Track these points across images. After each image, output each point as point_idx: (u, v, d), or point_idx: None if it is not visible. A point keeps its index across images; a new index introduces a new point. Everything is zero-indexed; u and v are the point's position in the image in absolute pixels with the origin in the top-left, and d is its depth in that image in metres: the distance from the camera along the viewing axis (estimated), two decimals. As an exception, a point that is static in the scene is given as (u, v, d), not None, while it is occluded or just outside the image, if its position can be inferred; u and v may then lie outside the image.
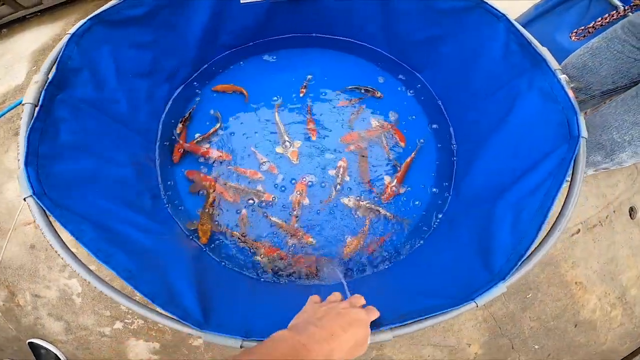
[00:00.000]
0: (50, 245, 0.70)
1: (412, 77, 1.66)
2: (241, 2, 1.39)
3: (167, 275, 0.86)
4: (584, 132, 0.89)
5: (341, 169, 1.41)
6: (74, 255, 0.72)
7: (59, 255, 0.69)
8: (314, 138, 1.47)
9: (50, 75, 0.89)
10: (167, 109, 1.49)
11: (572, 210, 0.83)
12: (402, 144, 1.49)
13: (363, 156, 1.45)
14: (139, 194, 1.15)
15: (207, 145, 1.45)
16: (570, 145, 0.90)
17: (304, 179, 1.40)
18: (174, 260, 0.97)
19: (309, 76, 1.62)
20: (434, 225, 1.34)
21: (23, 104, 0.84)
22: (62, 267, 1.54)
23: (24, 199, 0.73)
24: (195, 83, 1.59)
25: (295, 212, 1.33)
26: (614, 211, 1.82)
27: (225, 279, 1.18)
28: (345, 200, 1.36)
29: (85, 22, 1.03)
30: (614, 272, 1.70)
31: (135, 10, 1.16)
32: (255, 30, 1.58)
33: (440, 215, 1.36)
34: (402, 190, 1.40)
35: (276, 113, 1.51)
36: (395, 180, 1.40)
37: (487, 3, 1.15)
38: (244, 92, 1.55)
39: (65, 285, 1.53)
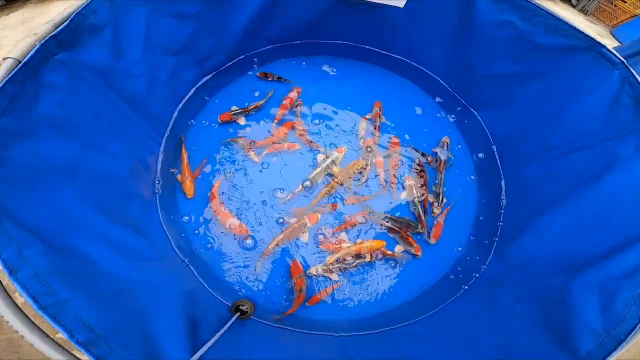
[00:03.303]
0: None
1: (453, 99, 1.47)
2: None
3: (147, 326, 0.65)
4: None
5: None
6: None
7: None
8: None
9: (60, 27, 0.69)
10: (187, 97, 1.27)
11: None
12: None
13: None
14: (126, 198, 0.91)
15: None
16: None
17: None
18: (159, 299, 0.74)
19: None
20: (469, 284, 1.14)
21: (4, 59, 0.63)
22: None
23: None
24: (228, 74, 1.38)
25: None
26: None
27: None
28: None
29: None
30: None
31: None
32: (306, 28, 1.40)
33: (476, 275, 1.16)
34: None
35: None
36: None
37: (604, 46, 0.97)
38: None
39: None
